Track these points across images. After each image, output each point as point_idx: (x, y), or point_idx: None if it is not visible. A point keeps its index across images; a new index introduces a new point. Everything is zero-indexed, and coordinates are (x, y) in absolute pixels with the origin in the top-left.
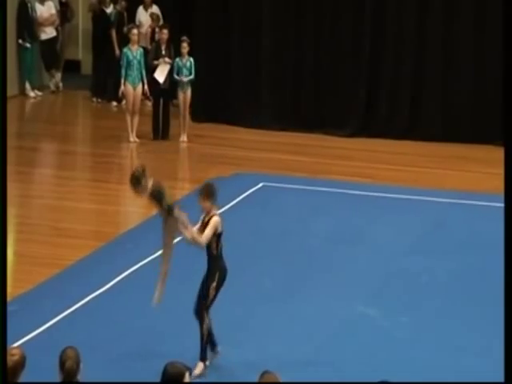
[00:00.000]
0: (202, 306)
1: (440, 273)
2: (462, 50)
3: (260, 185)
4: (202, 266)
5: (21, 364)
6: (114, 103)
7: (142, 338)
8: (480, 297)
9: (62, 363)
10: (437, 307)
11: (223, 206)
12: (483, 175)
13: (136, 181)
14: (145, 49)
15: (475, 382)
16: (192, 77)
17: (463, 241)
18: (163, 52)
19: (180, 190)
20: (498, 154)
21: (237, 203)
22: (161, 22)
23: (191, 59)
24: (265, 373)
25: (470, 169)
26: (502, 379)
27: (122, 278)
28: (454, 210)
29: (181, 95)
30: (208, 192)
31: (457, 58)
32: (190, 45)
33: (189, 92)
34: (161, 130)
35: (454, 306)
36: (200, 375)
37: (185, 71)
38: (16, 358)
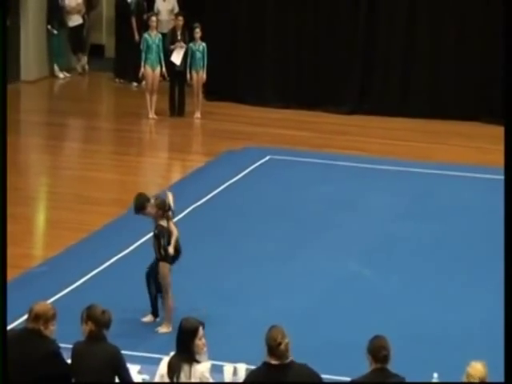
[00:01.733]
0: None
1: (426, 236)
2: (448, 32)
3: (267, 157)
4: None
5: (52, 313)
6: (135, 83)
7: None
8: (463, 255)
9: (93, 315)
10: (424, 266)
11: (235, 176)
12: (466, 149)
13: (141, 206)
14: (163, 34)
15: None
16: (205, 59)
17: (447, 208)
18: (179, 37)
19: (194, 162)
20: (479, 129)
21: (246, 174)
22: (176, 10)
23: (203, 44)
24: (272, 327)
25: (455, 143)
26: (501, 379)
27: (144, 241)
28: (440, 181)
29: (194, 76)
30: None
31: (443, 40)
32: (202, 30)
33: (201, 73)
34: (177, 107)
35: (439, 264)
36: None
37: (198, 54)
38: (47, 306)
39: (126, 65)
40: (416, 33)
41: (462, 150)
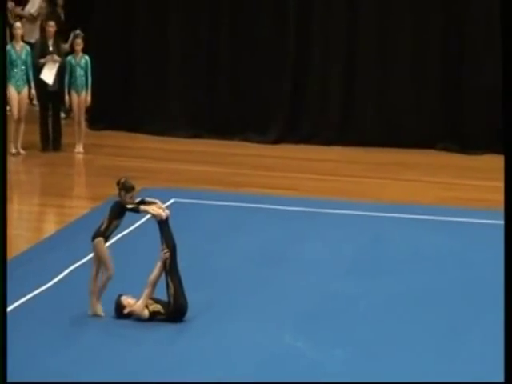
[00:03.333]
0: None
1: (379, 295)
2: (400, 48)
3: (171, 201)
4: None
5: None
6: None
7: None
8: (424, 322)
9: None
10: (375, 336)
11: (127, 228)
12: (424, 184)
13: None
14: (30, 45)
15: (475, 382)
16: (89, 77)
17: (403, 259)
18: (50, 48)
19: (75, 209)
20: (440, 159)
21: (143, 223)
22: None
23: (86, 57)
24: None
25: (410, 177)
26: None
27: None
28: (392, 225)
29: (75, 98)
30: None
31: (393, 55)
32: (85, 40)
33: (84, 94)
34: (51, 139)
35: (394, 334)
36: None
37: (79, 71)
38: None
39: None
40: (358, 46)
41: (418, 186)
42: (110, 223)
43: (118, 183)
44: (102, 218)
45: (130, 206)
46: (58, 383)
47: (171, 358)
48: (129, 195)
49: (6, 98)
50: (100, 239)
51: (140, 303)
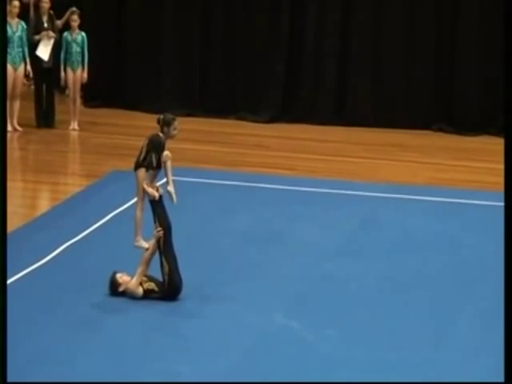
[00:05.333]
0: None
1: (370, 277)
2: (394, 28)
3: (164, 179)
4: None
5: None
6: None
7: None
8: (415, 304)
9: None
10: (367, 317)
11: (123, 204)
12: (418, 165)
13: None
14: (27, 22)
15: (475, 382)
16: (85, 54)
17: (396, 240)
18: (45, 24)
19: (69, 187)
20: (435, 140)
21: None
22: None
23: (83, 33)
24: None
25: (404, 158)
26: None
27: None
28: (386, 206)
29: (70, 75)
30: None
31: (388, 35)
32: (80, 17)
33: (80, 71)
34: (46, 116)
35: (386, 315)
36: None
37: (75, 47)
38: None
39: None
40: (353, 25)
41: (413, 167)
42: (147, 154)
43: (159, 121)
44: (139, 150)
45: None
46: (59, 383)
47: (164, 336)
48: (172, 127)
49: (5, 101)
50: (141, 169)
51: (134, 281)
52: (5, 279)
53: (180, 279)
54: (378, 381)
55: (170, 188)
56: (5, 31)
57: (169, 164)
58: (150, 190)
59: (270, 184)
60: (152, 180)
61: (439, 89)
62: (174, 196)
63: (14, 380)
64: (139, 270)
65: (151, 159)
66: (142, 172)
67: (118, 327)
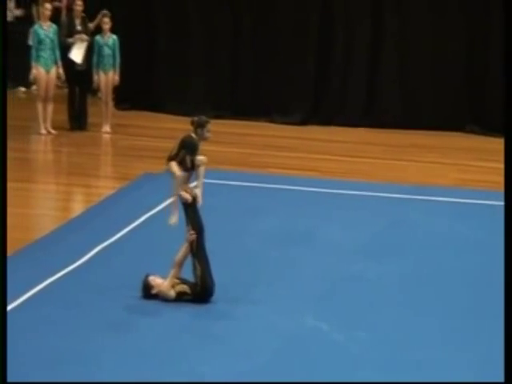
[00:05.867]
0: None
1: (398, 278)
2: (423, 29)
3: (195, 182)
4: None
5: None
6: (23, 89)
7: None
8: (443, 304)
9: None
10: (395, 317)
11: (154, 207)
12: (444, 166)
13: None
14: (58, 25)
15: (475, 382)
16: (117, 57)
17: (423, 241)
18: (78, 27)
19: (102, 189)
20: (461, 141)
21: (168, 204)
22: None
23: (114, 36)
24: None
25: (430, 159)
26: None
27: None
28: (413, 207)
29: (102, 78)
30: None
31: (416, 37)
32: (112, 19)
33: (112, 74)
34: (79, 119)
35: (414, 315)
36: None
37: (107, 50)
38: None
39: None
40: (382, 28)
41: (439, 168)
42: (178, 151)
43: (193, 122)
44: (172, 146)
45: (190, 160)
46: (59, 383)
47: (195, 337)
48: (205, 129)
49: (5, 99)
50: (172, 162)
51: (167, 283)
52: (5, 278)
53: (212, 282)
54: (408, 381)
55: (197, 191)
56: (5, 31)
57: (202, 169)
58: (182, 192)
59: (296, 186)
60: (185, 182)
61: (466, 90)
62: (199, 199)
63: (13, 380)
64: (172, 272)
65: (184, 158)
66: (172, 164)
67: (149, 329)
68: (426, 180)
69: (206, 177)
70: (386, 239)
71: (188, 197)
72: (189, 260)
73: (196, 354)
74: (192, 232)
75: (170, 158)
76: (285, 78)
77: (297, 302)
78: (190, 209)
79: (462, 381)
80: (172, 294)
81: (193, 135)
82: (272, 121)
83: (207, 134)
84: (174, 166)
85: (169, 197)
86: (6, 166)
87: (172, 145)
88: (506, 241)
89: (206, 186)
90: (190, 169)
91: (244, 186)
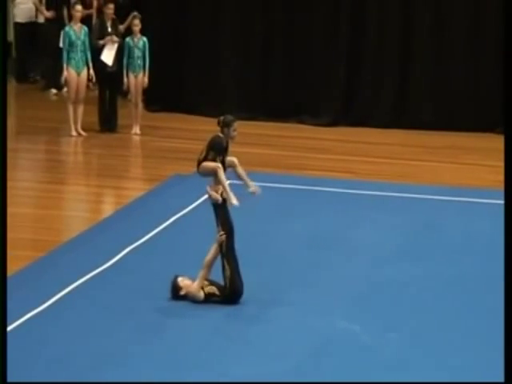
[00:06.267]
0: None
1: (432, 281)
2: (456, 29)
3: (227, 183)
4: None
5: None
6: (54, 91)
7: None
8: (478, 307)
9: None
10: (428, 321)
11: (184, 208)
12: (482, 168)
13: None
14: (89, 27)
15: (475, 382)
16: (146, 59)
17: (459, 244)
18: (109, 29)
19: (132, 191)
20: (499, 143)
21: (199, 205)
22: None
23: (144, 38)
24: None
25: (467, 161)
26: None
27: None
28: (448, 209)
29: (132, 80)
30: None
31: (450, 36)
32: (142, 21)
33: (141, 76)
34: (109, 121)
35: (448, 318)
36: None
37: (137, 52)
38: None
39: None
40: (414, 25)
41: (476, 170)
42: (207, 153)
43: (219, 122)
44: (201, 149)
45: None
46: (59, 383)
47: (224, 339)
48: (232, 128)
49: (5, 98)
50: (204, 163)
51: (196, 285)
52: (5, 276)
53: (241, 283)
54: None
55: (253, 188)
56: (5, 31)
57: (240, 169)
58: (213, 193)
59: (329, 187)
60: (216, 183)
61: (503, 90)
62: (256, 191)
63: (13, 380)
64: (201, 273)
65: (214, 160)
66: (207, 163)
67: (180, 331)
68: (463, 182)
69: (237, 178)
70: (422, 242)
71: (218, 197)
72: (218, 261)
73: (228, 356)
74: (222, 233)
75: (200, 162)
76: (315, 78)
77: (329, 305)
78: (220, 209)
79: (462, 381)
80: (201, 295)
81: (220, 135)
82: (302, 122)
83: (234, 133)
84: (209, 163)
85: (198, 197)
86: (6, 167)
87: (202, 147)
88: (506, 241)
89: (238, 188)
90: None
91: (277, 187)
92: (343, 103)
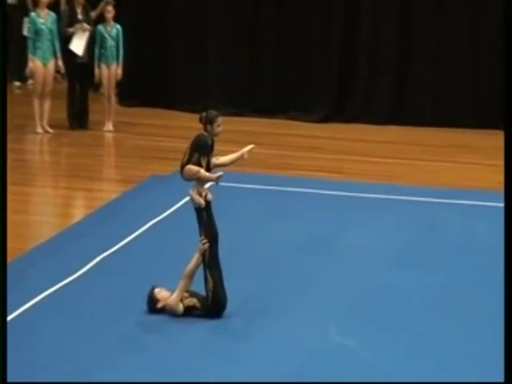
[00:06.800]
0: None
1: (433, 289)
2: (458, 22)
3: (208, 184)
4: None
5: None
6: (17, 83)
7: None
8: (485, 319)
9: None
10: (431, 334)
11: (162, 212)
12: (484, 168)
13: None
14: (57, 14)
15: (475, 382)
16: (120, 49)
17: (459, 249)
18: (79, 16)
19: (105, 193)
20: (499, 141)
21: (178, 208)
22: None
23: (118, 26)
24: None
25: (468, 160)
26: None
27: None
28: (448, 212)
29: (105, 71)
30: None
31: (451, 28)
32: (115, 8)
33: (115, 67)
34: (79, 116)
35: (452, 331)
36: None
37: (110, 41)
38: None
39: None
40: (413, 18)
41: (478, 170)
42: (191, 156)
43: (201, 119)
44: (184, 152)
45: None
46: (58, 383)
47: (208, 356)
48: (215, 124)
49: (5, 97)
50: (187, 166)
51: (174, 296)
52: (5, 276)
53: (225, 295)
54: None
55: (246, 155)
56: (5, 30)
57: (225, 158)
58: (196, 196)
59: (320, 189)
60: (202, 185)
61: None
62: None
63: (13, 380)
64: (180, 284)
65: (199, 161)
66: (189, 166)
67: (157, 347)
68: (464, 183)
69: (222, 180)
70: (420, 247)
71: (201, 201)
72: (200, 271)
73: (211, 375)
74: (205, 240)
75: (184, 165)
76: (306, 71)
77: (320, 316)
78: (204, 214)
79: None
80: (180, 308)
81: (204, 133)
82: (291, 118)
83: (218, 129)
84: (192, 167)
85: (178, 200)
86: (6, 169)
87: (185, 145)
88: (506, 242)
89: (222, 190)
90: (206, 171)
91: (264, 189)
92: (336, 98)
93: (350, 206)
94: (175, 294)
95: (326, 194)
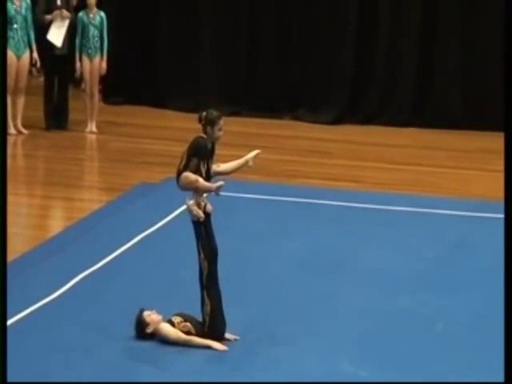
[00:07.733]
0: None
1: (461, 315)
2: (485, 18)
3: (204, 194)
4: None
5: None
6: None
7: None
8: None
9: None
10: (457, 366)
11: (153, 225)
12: None
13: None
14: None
15: (475, 382)
16: (105, 39)
17: (492, 269)
18: (58, 2)
19: (87, 203)
20: None
21: (171, 220)
22: None
23: (102, 13)
24: None
25: (502, 167)
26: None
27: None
28: (479, 227)
29: (87, 65)
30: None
31: (478, 24)
32: None
33: (98, 60)
34: (58, 116)
35: (482, 362)
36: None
37: (93, 30)
38: None
39: None
40: (437, 13)
41: None
42: (189, 161)
43: (201, 119)
44: (181, 157)
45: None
46: (58, 383)
47: None
48: (217, 127)
49: (5, 95)
50: (184, 173)
51: (166, 320)
52: (5, 278)
53: (224, 322)
54: None
55: (250, 162)
56: (5, 35)
57: (227, 165)
58: (194, 208)
59: (332, 200)
60: (201, 194)
61: None
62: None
63: (13, 380)
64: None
65: (198, 167)
66: (186, 174)
67: (146, 377)
68: (496, 194)
69: (222, 189)
70: (447, 268)
71: (201, 214)
72: (197, 292)
73: None
74: (203, 258)
75: (180, 172)
76: (315, 64)
77: (331, 344)
78: (202, 228)
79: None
80: (172, 334)
81: (203, 136)
82: (298, 118)
83: (219, 133)
84: (190, 174)
85: (170, 211)
86: (6, 169)
87: (176, 148)
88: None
89: (220, 200)
90: (205, 179)
91: (267, 199)
92: (350, 96)
93: (366, 220)
94: (168, 319)
95: (338, 206)
